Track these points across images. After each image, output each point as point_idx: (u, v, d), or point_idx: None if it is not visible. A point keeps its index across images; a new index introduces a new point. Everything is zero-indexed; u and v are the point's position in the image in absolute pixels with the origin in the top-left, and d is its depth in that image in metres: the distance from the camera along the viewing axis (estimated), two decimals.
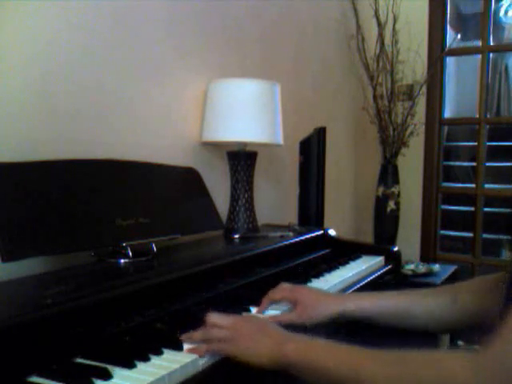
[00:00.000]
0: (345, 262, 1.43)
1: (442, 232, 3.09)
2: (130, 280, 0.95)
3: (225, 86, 1.49)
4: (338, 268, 1.37)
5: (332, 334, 0.81)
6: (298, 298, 0.97)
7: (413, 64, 2.60)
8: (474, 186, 2.89)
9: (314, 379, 0.75)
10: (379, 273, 1.45)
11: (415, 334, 0.96)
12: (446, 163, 3.19)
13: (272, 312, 0.99)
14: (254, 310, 0.99)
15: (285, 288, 1.01)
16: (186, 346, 0.79)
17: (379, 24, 2.60)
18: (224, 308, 0.94)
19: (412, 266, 2.42)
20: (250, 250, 1.26)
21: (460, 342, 2.58)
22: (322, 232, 1.60)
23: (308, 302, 0.96)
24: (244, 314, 0.96)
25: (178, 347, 0.78)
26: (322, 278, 1.26)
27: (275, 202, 2.03)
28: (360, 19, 2.61)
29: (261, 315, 0.97)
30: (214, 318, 0.83)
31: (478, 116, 2.86)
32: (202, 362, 0.76)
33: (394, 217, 2.63)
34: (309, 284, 1.20)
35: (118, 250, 1.08)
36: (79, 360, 0.73)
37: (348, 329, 1.02)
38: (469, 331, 0.97)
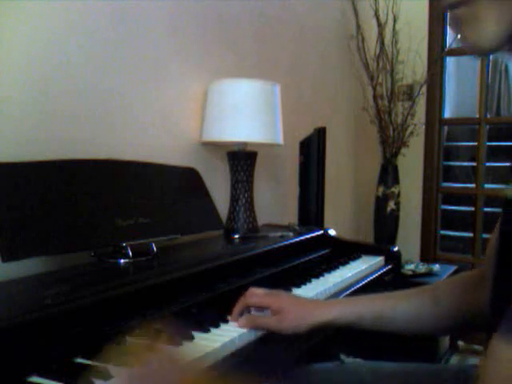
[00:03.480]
0: (345, 262, 1.43)
1: (442, 232, 3.08)
2: (130, 280, 0.95)
3: (225, 87, 1.49)
4: (338, 268, 1.37)
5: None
6: (277, 304, 0.89)
7: (413, 64, 2.60)
8: (473, 186, 2.89)
9: None
10: (379, 273, 1.45)
11: (414, 336, 0.94)
12: (445, 163, 3.19)
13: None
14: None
15: (258, 293, 0.93)
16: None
17: (379, 24, 2.60)
18: (224, 308, 0.94)
19: (412, 266, 2.42)
20: (250, 250, 1.26)
21: (460, 342, 2.58)
22: (321, 232, 1.60)
23: (289, 309, 0.88)
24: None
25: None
26: (321, 278, 1.26)
27: (275, 201, 2.03)
28: (360, 19, 2.61)
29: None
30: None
31: (478, 116, 2.86)
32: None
33: (394, 217, 2.62)
34: (308, 284, 1.20)
35: (117, 249, 1.08)
36: (79, 360, 0.73)
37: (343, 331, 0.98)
38: (451, 334, 0.93)
